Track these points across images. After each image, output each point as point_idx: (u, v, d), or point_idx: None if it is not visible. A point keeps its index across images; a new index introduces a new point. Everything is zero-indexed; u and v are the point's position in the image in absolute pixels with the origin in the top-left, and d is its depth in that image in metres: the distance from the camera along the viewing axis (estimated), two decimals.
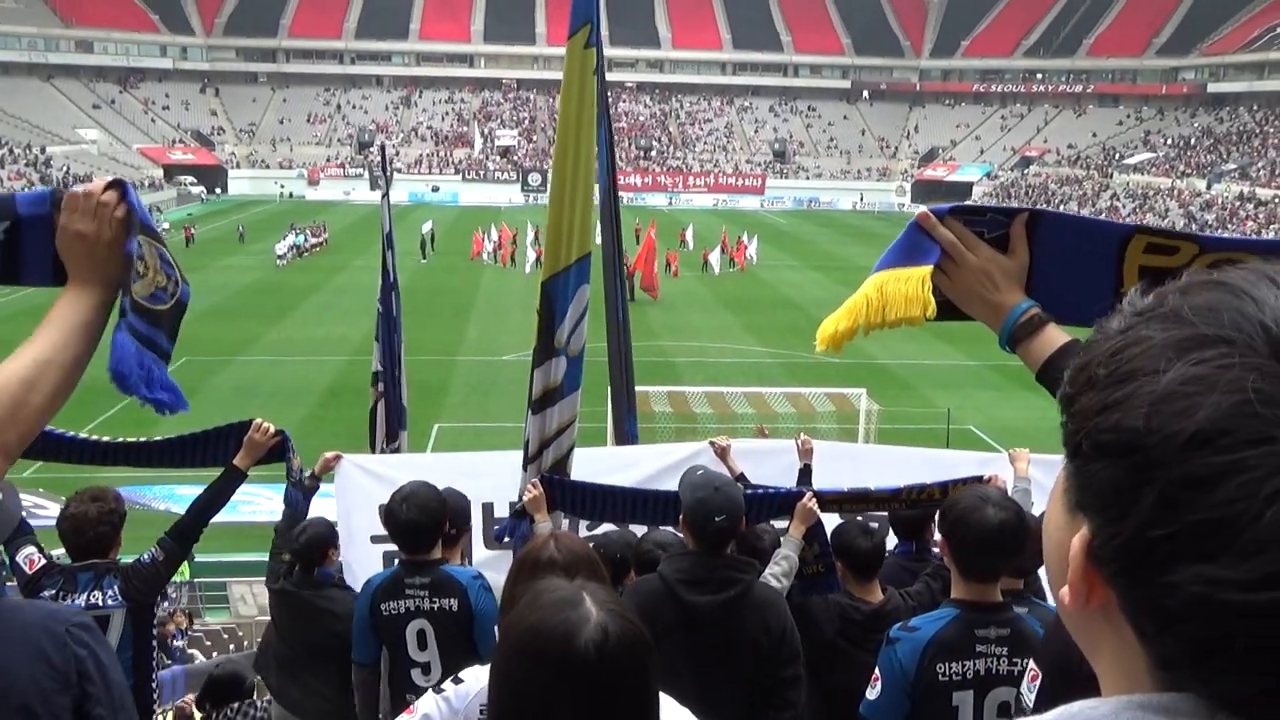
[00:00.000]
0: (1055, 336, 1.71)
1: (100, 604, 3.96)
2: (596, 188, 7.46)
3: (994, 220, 1.80)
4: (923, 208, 1.88)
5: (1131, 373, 0.67)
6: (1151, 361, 0.67)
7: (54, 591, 3.97)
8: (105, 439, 4.63)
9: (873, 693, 3.15)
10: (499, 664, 1.59)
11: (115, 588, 4.03)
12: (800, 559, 4.15)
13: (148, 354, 1.79)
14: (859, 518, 4.28)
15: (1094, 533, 0.69)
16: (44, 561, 4.10)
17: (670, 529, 4.63)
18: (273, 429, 4.51)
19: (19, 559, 4.09)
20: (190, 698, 7.17)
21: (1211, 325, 0.66)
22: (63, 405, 1.70)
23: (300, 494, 4.98)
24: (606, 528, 5.21)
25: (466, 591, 4.02)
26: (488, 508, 5.71)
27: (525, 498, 4.62)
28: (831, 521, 4.61)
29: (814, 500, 4.28)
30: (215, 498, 4.40)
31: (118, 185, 1.76)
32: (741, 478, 5.06)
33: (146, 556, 4.18)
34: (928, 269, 1.77)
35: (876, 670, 3.17)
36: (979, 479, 4.49)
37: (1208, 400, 0.63)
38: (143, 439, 4.63)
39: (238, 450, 4.44)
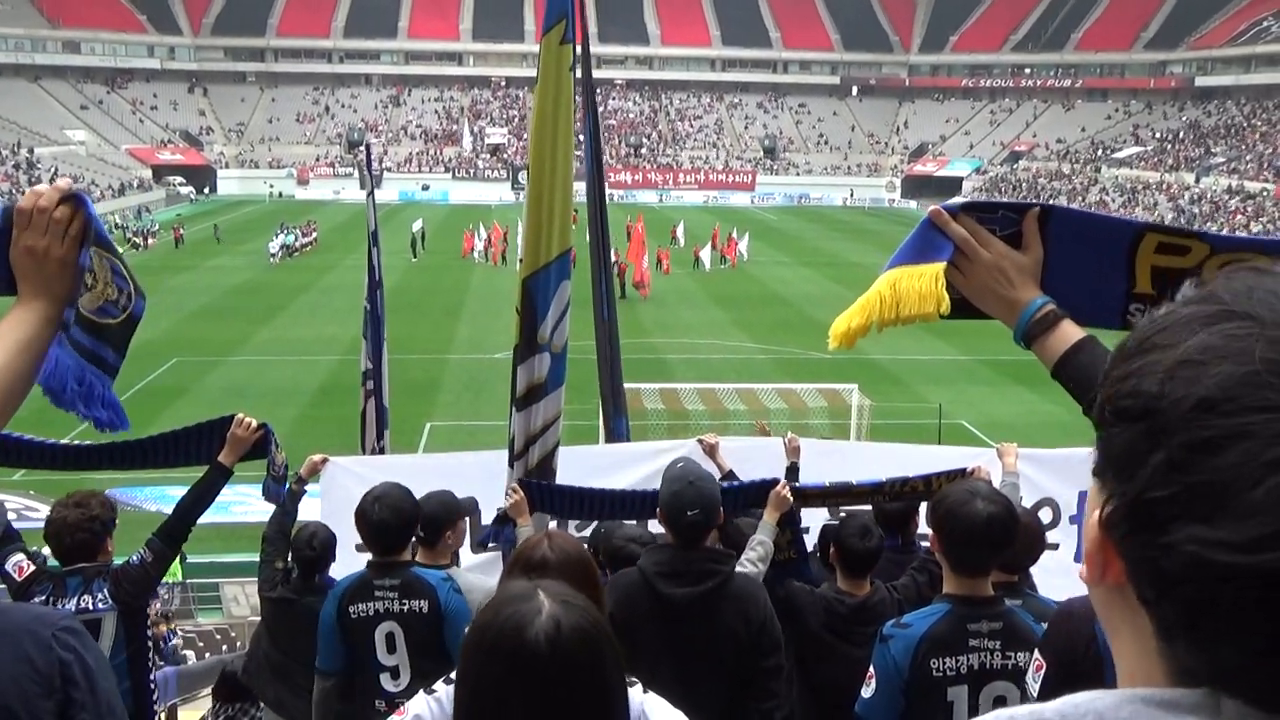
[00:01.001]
0: (1071, 332, 1.69)
1: (91, 608, 3.93)
2: (582, 184, 7.43)
3: (1006, 217, 1.79)
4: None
5: (1157, 344, 0.70)
6: (1176, 334, 0.69)
7: (44, 597, 3.94)
8: (85, 442, 4.52)
9: (868, 691, 3.14)
10: (460, 662, 1.60)
11: (105, 591, 4.00)
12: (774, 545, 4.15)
13: (89, 368, 1.75)
14: (863, 520, 4.25)
15: (1107, 499, 0.71)
16: (33, 568, 4.07)
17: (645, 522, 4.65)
18: (254, 423, 4.40)
19: (8, 566, 4.07)
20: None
21: (1242, 303, 0.68)
22: (6, 423, 1.68)
23: (279, 487, 4.90)
24: (596, 526, 5.21)
25: (436, 592, 3.99)
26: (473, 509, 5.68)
27: (506, 503, 4.60)
28: (818, 516, 4.62)
29: (787, 487, 4.28)
30: (201, 496, 4.33)
31: (72, 199, 1.69)
32: (730, 475, 5.07)
33: (135, 558, 4.14)
34: (941, 265, 1.76)
35: (871, 668, 3.16)
36: (962, 472, 4.50)
37: (1219, 368, 0.65)
38: (122, 440, 4.42)
39: (221, 447, 4.35)
